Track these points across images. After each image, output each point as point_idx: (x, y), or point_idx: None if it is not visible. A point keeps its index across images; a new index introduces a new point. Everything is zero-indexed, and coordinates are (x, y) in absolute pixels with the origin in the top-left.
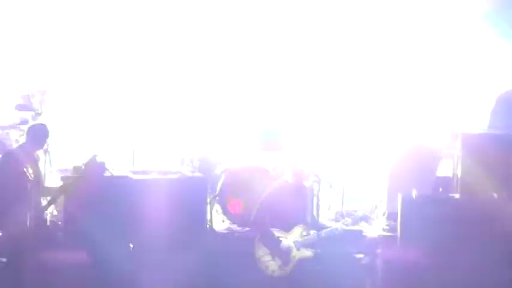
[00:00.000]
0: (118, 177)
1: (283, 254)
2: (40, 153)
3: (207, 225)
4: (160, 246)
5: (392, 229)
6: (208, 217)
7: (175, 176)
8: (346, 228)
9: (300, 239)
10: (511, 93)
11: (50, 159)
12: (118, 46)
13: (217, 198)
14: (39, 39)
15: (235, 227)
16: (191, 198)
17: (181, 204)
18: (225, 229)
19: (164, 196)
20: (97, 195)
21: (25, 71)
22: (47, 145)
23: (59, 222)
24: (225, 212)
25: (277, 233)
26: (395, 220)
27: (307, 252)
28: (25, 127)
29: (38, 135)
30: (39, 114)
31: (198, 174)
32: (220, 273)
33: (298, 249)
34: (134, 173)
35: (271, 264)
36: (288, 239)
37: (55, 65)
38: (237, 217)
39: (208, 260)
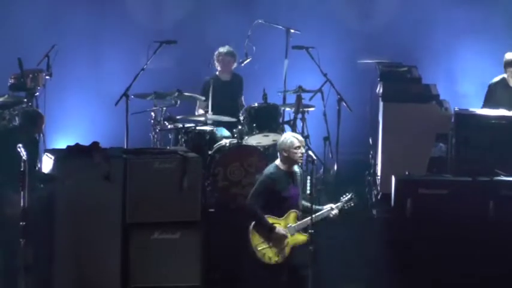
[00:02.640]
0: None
1: (277, 241)
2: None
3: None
4: None
5: (386, 211)
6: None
7: None
8: (338, 209)
9: (293, 224)
10: (499, 81)
11: (44, 140)
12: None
13: (210, 178)
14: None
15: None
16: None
17: None
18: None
19: None
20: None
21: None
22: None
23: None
24: (218, 193)
25: (271, 219)
26: (388, 201)
27: (301, 237)
28: (18, 107)
29: (34, 118)
30: (33, 94)
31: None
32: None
33: (292, 235)
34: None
35: (267, 251)
36: (282, 225)
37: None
38: (229, 199)
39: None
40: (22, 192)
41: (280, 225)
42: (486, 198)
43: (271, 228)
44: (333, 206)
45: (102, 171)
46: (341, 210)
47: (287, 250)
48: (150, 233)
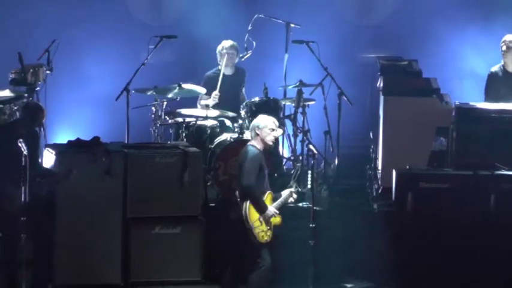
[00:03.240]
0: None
1: (268, 221)
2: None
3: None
4: None
5: (387, 205)
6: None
7: None
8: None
9: (270, 205)
10: (498, 68)
11: (45, 135)
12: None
13: (211, 172)
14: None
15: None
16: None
17: None
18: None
19: None
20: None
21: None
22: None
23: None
24: (219, 187)
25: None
26: (389, 195)
27: (277, 219)
28: (19, 102)
29: (35, 112)
30: (34, 89)
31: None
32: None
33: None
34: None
35: (261, 230)
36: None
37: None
38: (230, 193)
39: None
40: (23, 187)
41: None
42: (487, 192)
43: (265, 208)
44: (292, 190)
45: (103, 166)
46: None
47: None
48: (151, 228)
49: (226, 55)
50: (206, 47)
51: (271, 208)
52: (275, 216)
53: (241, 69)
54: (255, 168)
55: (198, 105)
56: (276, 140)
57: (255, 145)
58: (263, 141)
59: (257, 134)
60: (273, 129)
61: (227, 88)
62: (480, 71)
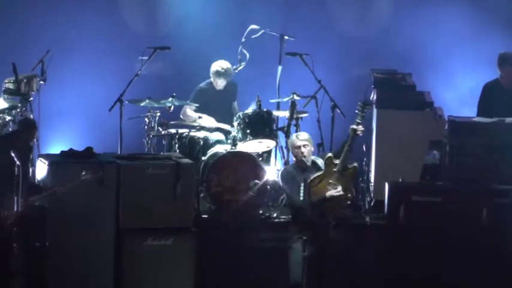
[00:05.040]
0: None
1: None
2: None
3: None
4: None
5: (379, 218)
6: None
7: None
8: None
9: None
10: (493, 82)
11: (39, 145)
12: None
13: (204, 184)
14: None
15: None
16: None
17: None
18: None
19: None
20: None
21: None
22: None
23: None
24: (211, 199)
25: (315, 179)
26: (382, 208)
27: (352, 169)
28: (13, 113)
29: (30, 126)
30: (27, 99)
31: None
32: None
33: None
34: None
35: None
36: (327, 176)
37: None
38: (222, 205)
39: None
40: (15, 198)
41: (326, 178)
42: (480, 206)
43: (324, 199)
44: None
45: (96, 176)
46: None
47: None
48: (143, 239)
49: (213, 79)
50: (200, 59)
51: (330, 193)
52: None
53: (232, 83)
54: (290, 187)
55: (182, 116)
56: (303, 154)
57: (292, 164)
58: (297, 159)
59: (292, 154)
60: (299, 147)
61: (217, 101)
62: (474, 85)
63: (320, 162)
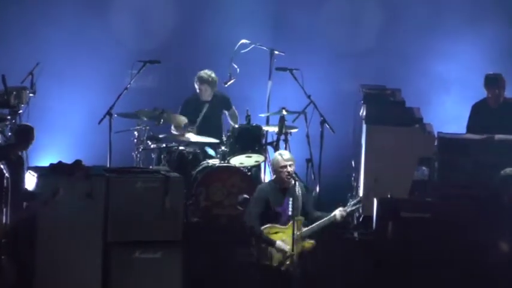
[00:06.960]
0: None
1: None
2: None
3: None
4: None
5: (368, 233)
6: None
7: None
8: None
9: (298, 232)
10: (481, 102)
11: (27, 157)
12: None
13: (192, 198)
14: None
15: None
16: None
17: None
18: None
19: None
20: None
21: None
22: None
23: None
24: (200, 212)
25: (275, 228)
26: (370, 224)
27: (308, 244)
28: (1, 124)
29: (25, 136)
30: (16, 111)
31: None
32: None
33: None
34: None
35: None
36: (286, 234)
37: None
38: (211, 219)
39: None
40: (4, 209)
41: (284, 234)
42: (468, 222)
43: (271, 243)
44: (341, 208)
45: (84, 189)
46: (349, 213)
47: (291, 260)
48: (131, 252)
49: (197, 86)
50: (190, 73)
51: (280, 243)
52: (286, 251)
53: (220, 96)
54: (253, 204)
55: (173, 130)
56: (290, 174)
57: (272, 182)
58: (280, 178)
59: (275, 174)
60: (284, 166)
61: (203, 112)
62: (463, 102)
63: (300, 187)
